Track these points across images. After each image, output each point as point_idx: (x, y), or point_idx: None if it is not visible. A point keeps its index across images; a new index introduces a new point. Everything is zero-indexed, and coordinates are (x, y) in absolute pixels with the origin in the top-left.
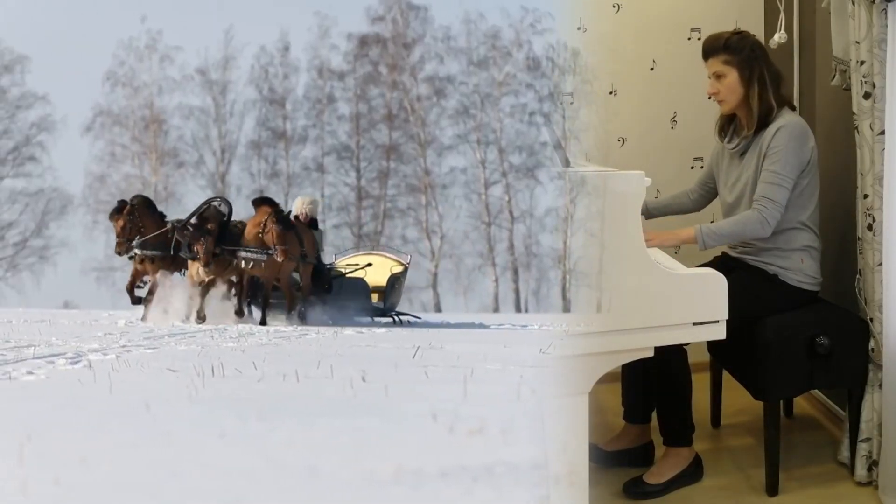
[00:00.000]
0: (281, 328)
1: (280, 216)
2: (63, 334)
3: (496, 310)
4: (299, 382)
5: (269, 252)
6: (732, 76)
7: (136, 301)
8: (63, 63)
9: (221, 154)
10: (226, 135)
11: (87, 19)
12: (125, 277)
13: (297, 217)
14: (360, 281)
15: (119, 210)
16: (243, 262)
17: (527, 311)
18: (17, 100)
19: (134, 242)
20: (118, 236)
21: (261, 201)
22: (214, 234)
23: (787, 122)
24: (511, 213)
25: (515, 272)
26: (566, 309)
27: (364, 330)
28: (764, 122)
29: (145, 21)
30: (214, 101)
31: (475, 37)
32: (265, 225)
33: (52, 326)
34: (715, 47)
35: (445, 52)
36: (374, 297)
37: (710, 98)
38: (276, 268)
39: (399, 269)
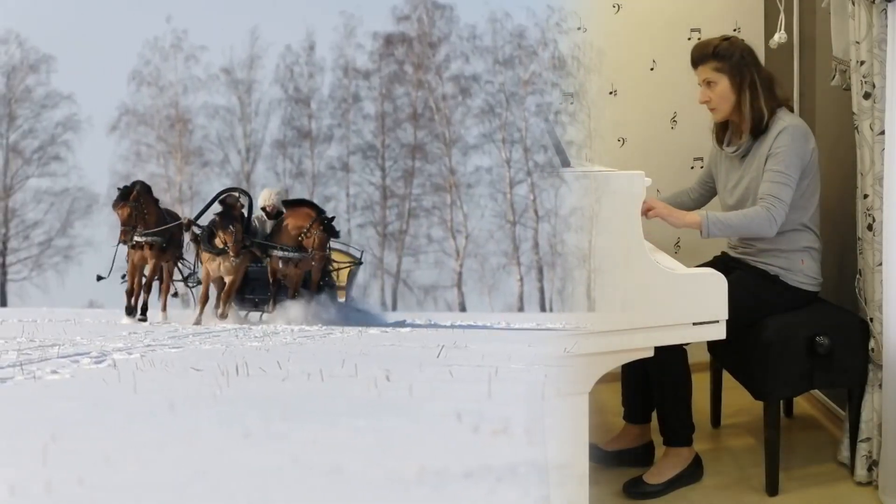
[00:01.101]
0: (305, 328)
1: (326, 224)
2: (88, 333)
3: (521, 309)
4: (323, 382)
5: (306, 255)
6: (723, 83)
7: (133, 310)
8: (88, 62)
9: (246, 153)
10: (251, 134)
11: (113, 19)
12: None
13: (263, 209)
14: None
15: (124, 196)
16: (280, 262)
17: (551, 310)
18: (42, 99)
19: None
20: (124, 224)
21: (300, 203)
22: (243, 224)
23: (790, 123)
24: (536, 212)
25: (540, 271)
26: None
27: (389, 329)
28: (758, 127)
29: (171, 20)
30: (240, 101)
31: (501, 36)
32: (309, 229)
33: (77, 326)
34: (704, 54)
35: (471, 51)
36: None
37: (701, 104)
38: (305, 270)
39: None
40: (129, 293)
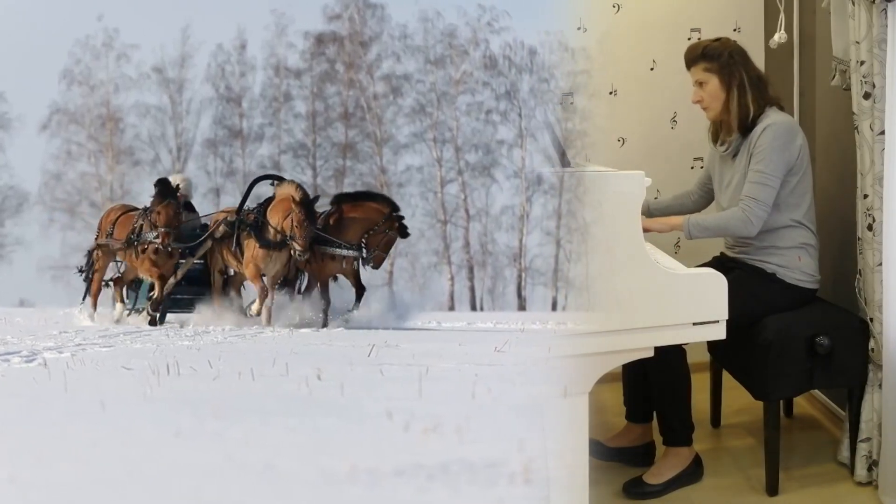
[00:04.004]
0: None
1: (400, 223)
2: (18, 332)
3: (451, 308)
4: (255, 381)
5: (360, 254)
6: (713, 82)
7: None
8: (19, 61)
9: (177, 152)
10: (182, 133)
11: (44, 17)
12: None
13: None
14: None
15: (164, 193)
16: (343, 262)
17: (482, 309)
18: None
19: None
20: (167, 225)
21: (366, 196)
22: (314, 215)
23: (773, 121)
24: (467, 211)
25: (471, 270)
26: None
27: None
28: (746, 125)
29: (102, 19)
30: (171, 99)
31: (432, 35)
32: (380, 226)
33: (8, 325)
34: (694, 56)
35: (402, 50)
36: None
37: (694, 104)
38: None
39: None
40: (158, 303)
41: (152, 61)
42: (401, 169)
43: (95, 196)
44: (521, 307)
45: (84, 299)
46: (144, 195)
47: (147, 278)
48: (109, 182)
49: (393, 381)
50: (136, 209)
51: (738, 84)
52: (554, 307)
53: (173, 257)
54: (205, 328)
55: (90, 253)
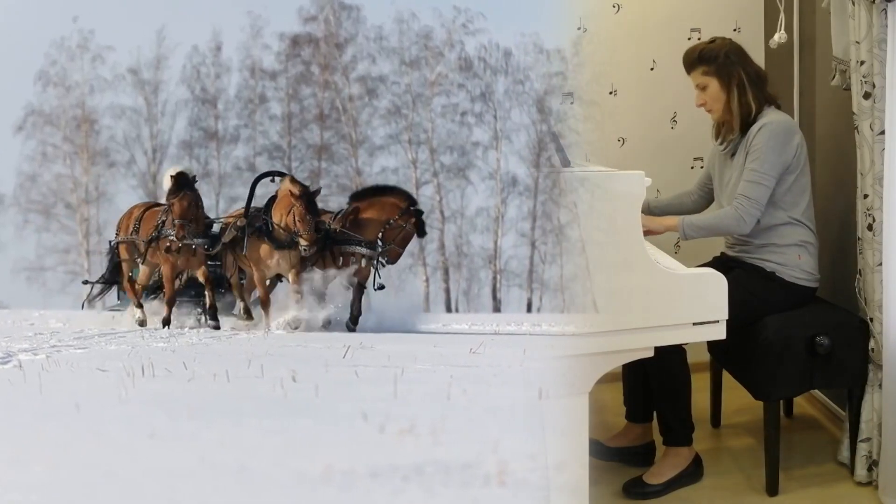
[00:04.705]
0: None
1: (418, 217)
2: None
3: (427, 310)
4: (230, 382)
5: (377, 252)
6: (714, 85)
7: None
8: None
9: (153, 154)
10: (157, 135)
11: (19, 18)
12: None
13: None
14: None
15: (181, 186)
16: (364, 261)
17: (457, 310)
18: None
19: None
20: (183, 217)
21: (382, 191)
22: (315, 209)
23: (770, 120)
24: (442, 212)
25: (446, 272)
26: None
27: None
28: (746, 122)
29: (77, 21)
30: (146, 101)
31: (407, 37)
32: (396, 220)
33: None
34: (692, 60)
35: (378, 52)
36: None
37: (698, 108)
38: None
39: None
40: (171, 303)
41: (128, 63)
42: (376, 171)
43: (71, 198)
44: (497, 309)
45: (118, 299)
46: (119, 196)
47: (165, 275)
48: (85, 184)
49: (368, 382)
50: (160, 205)
51: (738, 83)
52: (529, 309)
53: (198, 255)
54: (180, 330)
55: (113, 252)
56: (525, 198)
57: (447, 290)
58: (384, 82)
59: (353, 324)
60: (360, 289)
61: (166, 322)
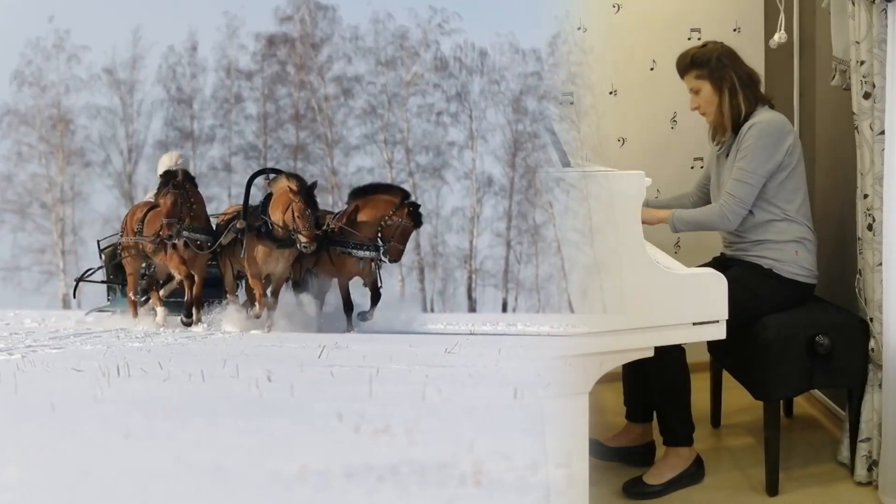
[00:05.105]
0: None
1: (414, 210)
2: None
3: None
4: (205, 382)
5: (379, 253)
6: (706, 88)
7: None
8: None
9: (129, 154)
10: (133, 134)
11: None
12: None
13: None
14: None
15: (164, 183)
16: (362, 263)
17: (432, 310)
18: None
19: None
20: (168, 216)
21: (375, 189)
22: (316, 207)
23: (760, 119)
24: None
25: (422, 272)
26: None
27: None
28: (737, 123)
29: (53, 20)
30: (122, 101)
31: (383, 37)
32: (391, 216)
33: None
34: (684, 65)
35: (353, 51)
36: None
37: (693, 111)
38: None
39: None
40: (198, 303)
41: (103, 62)
42: (352, 171)
43: (46, 197)
44: (472, 308)
45: (108, 300)
46: (94, 196)
47: (177, 276)
48: (60, 183)
49: (343, 382)
50: None
51: (730, 86)
52: (504, 309)
53: (202, 254)
54: (155, 330)
55: (114, 253)
56: (500, 198)
57: (423, 290)
58: (360, 82)
59: (362, 319)
60: (374, 292)
61: (193, 322)
